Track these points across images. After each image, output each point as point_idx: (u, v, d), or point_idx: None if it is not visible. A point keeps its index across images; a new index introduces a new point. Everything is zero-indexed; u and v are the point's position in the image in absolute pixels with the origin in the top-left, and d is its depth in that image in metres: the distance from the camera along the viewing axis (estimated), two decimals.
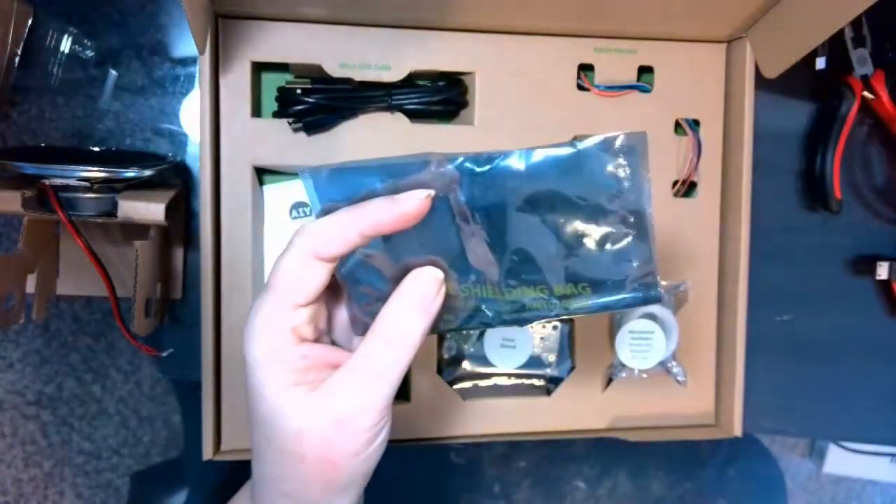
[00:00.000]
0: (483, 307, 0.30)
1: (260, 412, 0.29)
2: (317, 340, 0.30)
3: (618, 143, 0.26)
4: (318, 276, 0.28)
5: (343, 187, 0.29)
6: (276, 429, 0.29)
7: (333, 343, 0.33)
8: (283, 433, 0.28)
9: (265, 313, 0.29)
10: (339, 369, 0.29)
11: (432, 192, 0.28)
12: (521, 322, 0.31)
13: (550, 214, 0.28)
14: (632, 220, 0.27)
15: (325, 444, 0.28)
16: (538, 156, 0.27)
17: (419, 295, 0.29)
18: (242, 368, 0.46)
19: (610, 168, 0.26)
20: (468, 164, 0.27)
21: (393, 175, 0.28)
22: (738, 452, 0.67)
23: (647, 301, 0.29)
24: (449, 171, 0.27)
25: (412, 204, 0.27)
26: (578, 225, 0.28)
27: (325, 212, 0.29)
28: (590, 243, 0.28)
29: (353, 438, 0.28)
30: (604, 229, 0.28)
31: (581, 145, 0.26)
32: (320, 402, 0.28)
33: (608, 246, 0.28)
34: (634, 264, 0.28)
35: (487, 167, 0.27)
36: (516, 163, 0.27)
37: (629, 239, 0.28)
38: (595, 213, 0.27)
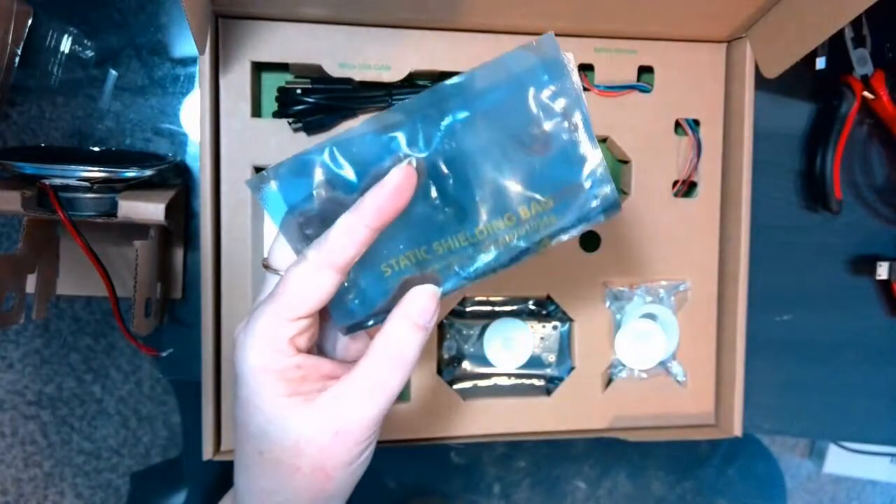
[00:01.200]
0: (457, 264, 0.31)
1: (253, 423, 0.29)
2: (309, 351, 0.31)
3: (537, 50, 0.28)
4: (328, 287, 0.29)
5: (305, 181, 0.29)
6: (272, 440, 0.29)
7: (321, 352, 0.33)
8: (280, 444, 0.29)
9: (265, 323, 0.29)
10: (342, 381, 0.29)
11: (412, 160, 0.29)
12: (504, 264, 0.31)
13: (499, 141, 0.29)
14: (572, 119, 0.29)
15: (321, 454, 0.29)
16: (479, 95, 0.29)
17: (419, 312, 0.30)
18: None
19: (542, 71, 0.28)
20: (419, 128, 0.29)
21: (345, 149, 0.29)
22: (738, 452, 0.67)
23: (611, 204, 0.30)
24: (401, 155, 0.29)
25: (400, 176, 0.28)
26: (525, 140, 0.29)
27: (296, 212, 0.30)
28: (539, 153, 0.29)
29: (348, 449, 0.29)
30: (549, 136, 0.29)
31: (509, 59, 0.28)
32: (319, 413, 0.28)
33: (556, 151, 0.29)
34: (585, 162, 0.29)
35: (439, 128, 0.29)
36: (461, 110, 0.29)
37: (572, 137, 0.29)
38: (537, 124, 0.29)
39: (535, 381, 0.54)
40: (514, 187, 0.29)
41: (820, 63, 0.56)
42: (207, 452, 0.45)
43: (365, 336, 0.34)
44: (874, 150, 0.61)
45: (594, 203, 0.30)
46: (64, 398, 0.55)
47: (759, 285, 0.52)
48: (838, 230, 0.61)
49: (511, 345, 0.52)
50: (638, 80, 0.51)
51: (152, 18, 0.51)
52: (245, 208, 0.46)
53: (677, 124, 0.52)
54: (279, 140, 0.46)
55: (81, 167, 0.42)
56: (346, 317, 0.31)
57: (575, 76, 0.28)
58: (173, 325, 0.53)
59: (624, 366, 0.53)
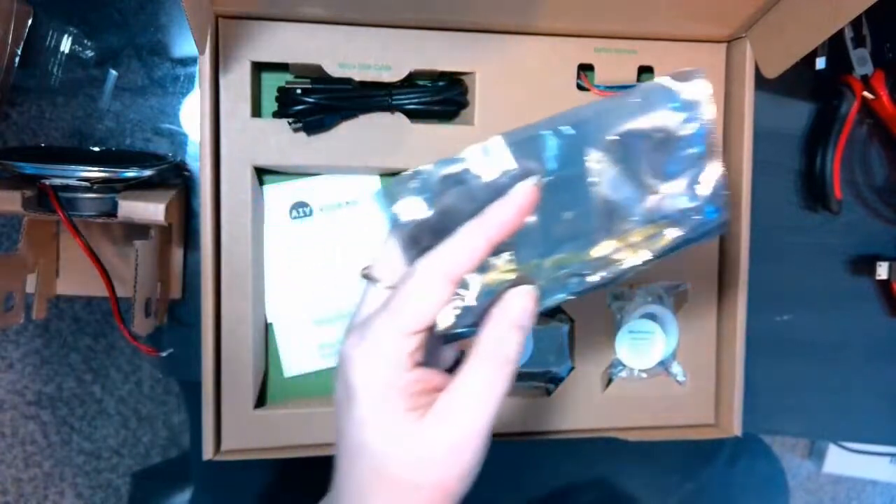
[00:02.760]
0: (565, 279, 0.31)
1: (372, 442, 0.28)
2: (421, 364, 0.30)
3: (681, 76, 0.29)
4: (445, 298, 0.28)
5: (426, 194, 0.29)
6: (391, 459, 0.28)
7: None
8: (401, 463, 0.28)
9: (385, 339, 0.28)
10: (448, 392, 0.29)
11: (536, 179, 0.29)
12: (611, 282, 0.31)
13: (627, 161, 0.29)
14: (701, 144, 0.29)
15: (442, 470, 0.28)
16: (611, 110, 0.29)
17: (518, 313, 0.29)
18: (244, 369, 0.46)
19: (677, 101, 0.29)
20: (557, 135, 0.29)
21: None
22: (739, 452, 0.67)
23: (721, 225, 0.31)
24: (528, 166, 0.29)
25: (525, 191, 0.29)
26: (653, 162, 0.30)
27: (412, 223, 0.29)
28: (665, 177, 0.30)
29: (465, 461, 0.28)
30: (676, 159, 0.30)
31: (647, 88, 0.29)
32: (435, 428, 0.28)
33: (681, 175, 0.30)
34: (706, 187, 0.30)
35: (573, 132, 0.29)
36: (594, 124, 0.29)
37: (700, 162, 0.30)
38: (666, 146, 0.29)
39: (535, 381, 0.54)
40: (634, 212, 0.30)
41: (820, 63, 0.56)
42: (207, 452, 0.45)
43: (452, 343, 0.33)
44: (874, 150, 0.61)
45: (706, 227, 0.31)
46: (64, 398, 0.55)
47: (759, 285, 0.52)
48: (838, 230, 0.61)
49: None
50: (638, 80, 0.51)
51: (152, 18, 0.51)
52: (245, 208, 0.46)
53: None
54: (279, 140, 0.46)
55: (81, 167, 0.42)
56: (439, 328, 0.31)
57: (711, 108, 0.29)
58: (173, 325, 0.53)
59: (624, 366, 0.53)
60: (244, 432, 0.47)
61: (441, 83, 0.49)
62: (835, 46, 0.56)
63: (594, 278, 0.31)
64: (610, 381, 0.53)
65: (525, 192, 0.29)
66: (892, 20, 0.56)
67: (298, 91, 0.45)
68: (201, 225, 0.44)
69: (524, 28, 0.48)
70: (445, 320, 0.30)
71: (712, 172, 0.30)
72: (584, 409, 0.52)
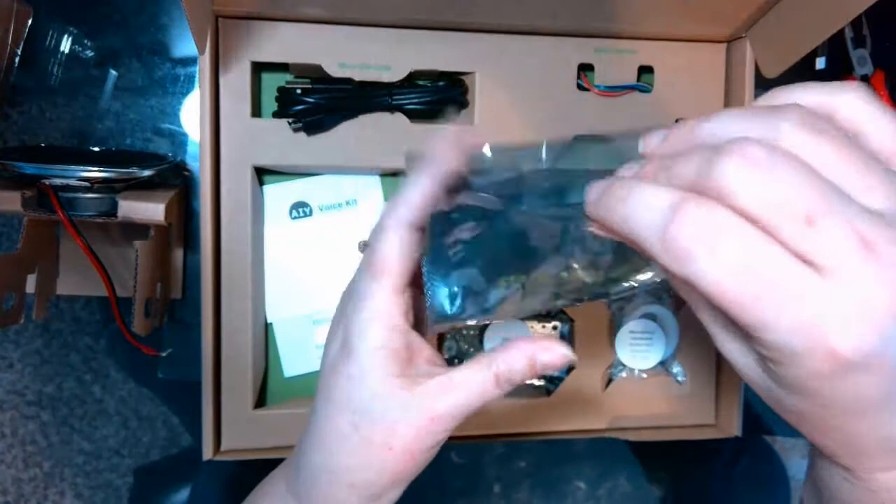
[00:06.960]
0: (559, 295, 0.32)
1: (357, 398, 0.29)
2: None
3: None
4: (415, 247, 0.29)
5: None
6: (372, 417, 0.29)
7: None
8: (379, 422, 0.29)
9: (380, 299, 0.29)
10: (447, 376, 0.30)
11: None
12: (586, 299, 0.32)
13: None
14: None
15: (414, 437, 0.29)
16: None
17: (543, 361, 0.31)
18: (244, 369, 0.46)
19: None
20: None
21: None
22: (739, 452, 0.67)
23: None
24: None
25: (456, 133, 0.30)
26: None
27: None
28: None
29: (435, 436, 0.30)
30: None
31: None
32: (422, 399, 0.29)
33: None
34: None
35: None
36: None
37: None
38: None
39: (535, 381, 0.54)
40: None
41: (820, 63, 0.56)
42: (207, 452, 0.45)
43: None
44: None
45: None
46: (64, 398, 0.55)
47: None
48: None
49: None
50: (638, 80, 0.51)
51: (152, 18, 0.51)
52: (245, 208, 0.46)
53: None
54: (279, 140, 0.46)
55: (81, 167, 0.42)
56: (442, 312, 0.32)
57: None
58: (173, 325, 0.53)
59: (624, 366, 0.53)
60: (244, 432, 0.47)
61: (441, 83, 0.49)
62: (835, 46, 0.56)
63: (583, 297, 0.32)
64: (610, 381, 0.53)
65: (455, 131, 0.30)
66: (892, 20, 0.56)
67: (298, 91, 0.45)
68: (201, 225, 0.44)
69: (524, 28, 0.48)
70: (439, 304, 0.31)
71: None
72: (584, 409, 0.52)
